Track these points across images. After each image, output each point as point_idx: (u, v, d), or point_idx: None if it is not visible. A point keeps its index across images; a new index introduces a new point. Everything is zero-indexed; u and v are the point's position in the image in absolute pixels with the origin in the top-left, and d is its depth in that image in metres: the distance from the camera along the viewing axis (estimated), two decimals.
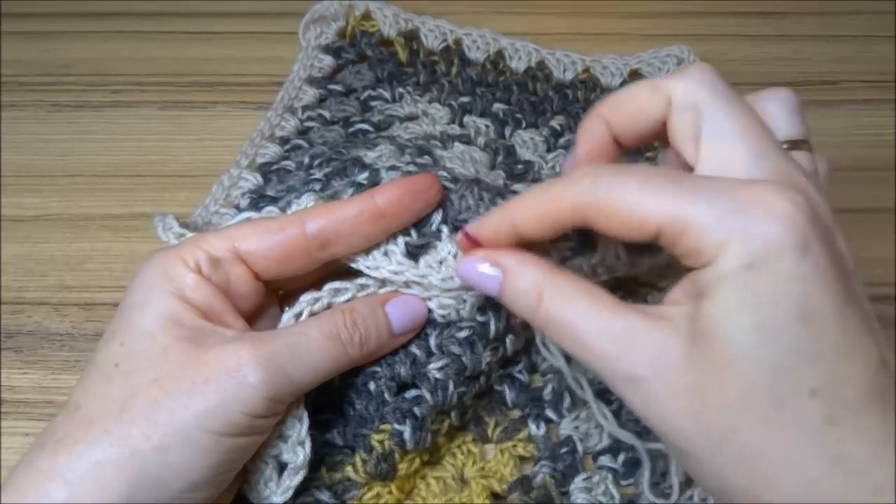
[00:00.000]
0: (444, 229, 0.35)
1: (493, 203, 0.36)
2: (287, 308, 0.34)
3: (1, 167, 0.50)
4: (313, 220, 0.32)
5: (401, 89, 0.54)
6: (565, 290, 0.28)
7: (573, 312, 0.27)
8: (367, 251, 0.34)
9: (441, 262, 0.34)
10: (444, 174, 0.37)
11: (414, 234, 0.35)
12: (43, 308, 0.44)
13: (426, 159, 0.40)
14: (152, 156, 0.51)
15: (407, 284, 0.35)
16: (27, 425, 0.40)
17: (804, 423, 0.24)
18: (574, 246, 0.33)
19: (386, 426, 0.35)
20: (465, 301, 0.35)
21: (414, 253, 0.35)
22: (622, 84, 0.54)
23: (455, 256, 0.34)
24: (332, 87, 0.54)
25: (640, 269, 0.36)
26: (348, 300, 0.34)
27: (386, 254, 0.34)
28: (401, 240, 0.34)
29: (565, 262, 0.33)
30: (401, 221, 0.34)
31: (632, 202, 0.26)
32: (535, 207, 0.29)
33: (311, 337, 0.31)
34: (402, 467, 0.35)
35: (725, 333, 0.24)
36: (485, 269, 0.30)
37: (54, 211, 0.49)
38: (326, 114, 0.52)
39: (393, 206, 0.33)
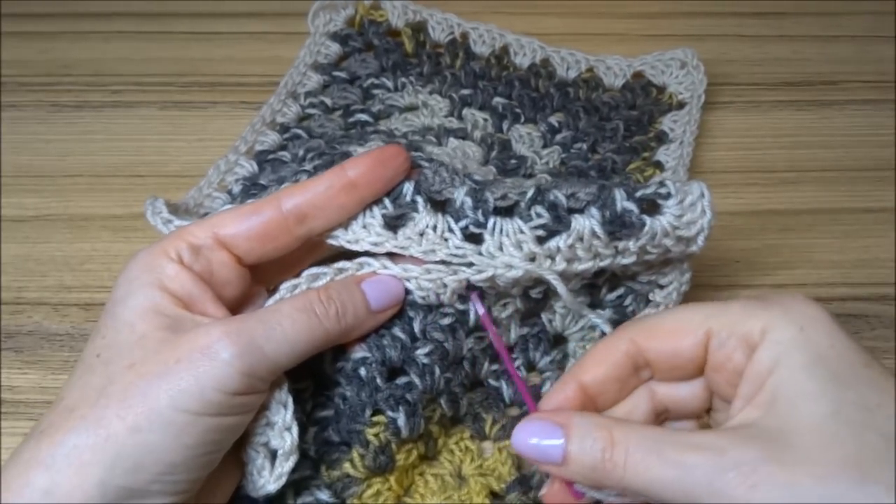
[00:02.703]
0: (420, 199, 0.35)
1: (469, 178, 0.36)
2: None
3: (1, 167, 0.51)
4: (288, 198, 0.33)
5: (403, 79, 0.54)
6: (635, 426, 0.29)
7: (654, 440, 0.27)
8: (346, 225, 0.35)
9: (422, 235, 0.35)
10: (420, 154, 0.38)
11: (389, 205, 0.35)
12: (43, 308, 0.44)
13: (417, 154, 0.40)
14: (152, 156, 0.51)
15: (385, 266, 0.35)
16: (27, 425, 0.40)
17: None
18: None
19: (379, 418, 0.35)
20: (445, 286, 0.35)
21: (392, 225, 0.35)
22: (624, 85, 0.54)
23: (434, 229, 0.35)
24: (336, 73, 0.54)
25: (628, 260, 0.36)
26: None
27: (365, 226, 0.35)
28: (377, 211, 0.35)
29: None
30: (374, 190, 0.35)
31: (677, 316, 0.31)
32: (593, 353, 0.32)
33: (284, 312, 0.32)
34: (401, 458, 0.35)
35: (808, 390, 0.26)
36: (539, 441, 0.29)
37: (54, 211, 0.49)
38: (328, 101, 0.52)
39: (364, 175, 0.34)
